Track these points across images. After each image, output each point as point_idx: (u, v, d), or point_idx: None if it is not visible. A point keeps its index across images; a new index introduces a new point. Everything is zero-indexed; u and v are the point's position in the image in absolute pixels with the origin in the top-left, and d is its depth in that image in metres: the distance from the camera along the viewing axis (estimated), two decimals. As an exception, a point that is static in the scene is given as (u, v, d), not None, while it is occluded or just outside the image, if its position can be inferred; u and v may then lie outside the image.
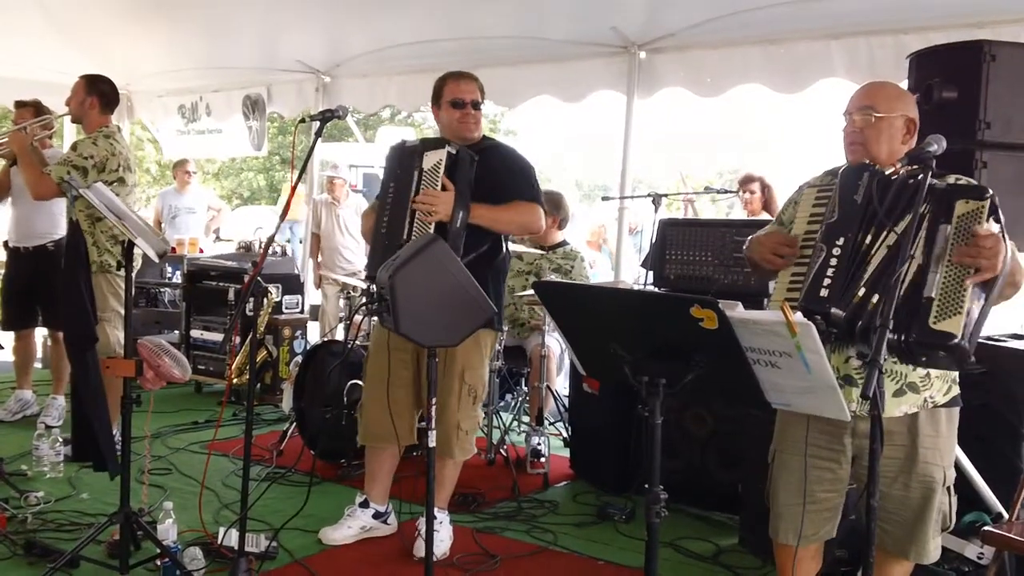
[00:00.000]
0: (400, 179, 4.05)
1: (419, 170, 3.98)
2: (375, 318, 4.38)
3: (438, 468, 4.23)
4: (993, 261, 2.47)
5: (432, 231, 3.84)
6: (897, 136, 2.84)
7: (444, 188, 3.92)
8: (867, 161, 2.80)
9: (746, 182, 6.87)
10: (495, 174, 4.10)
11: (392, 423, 4.11)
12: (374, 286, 4.05)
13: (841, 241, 2.68)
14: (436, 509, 4.12)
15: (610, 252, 10.34)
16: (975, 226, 2.51)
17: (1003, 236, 2.52)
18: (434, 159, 3.97)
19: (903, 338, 2.51)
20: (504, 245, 4.28)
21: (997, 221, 2.55)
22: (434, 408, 3.29)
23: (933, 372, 2.78)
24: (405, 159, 4.09)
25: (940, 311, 2.50)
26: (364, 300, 3.84)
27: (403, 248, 3.35)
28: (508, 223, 4.17)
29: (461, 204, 3.93)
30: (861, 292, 2.60)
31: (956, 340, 2.47)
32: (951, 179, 2.75)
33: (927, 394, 2.81)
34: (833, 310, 2.61)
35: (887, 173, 2.72)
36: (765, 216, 6.62)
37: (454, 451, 4.17)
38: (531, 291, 5.45)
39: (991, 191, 2.59)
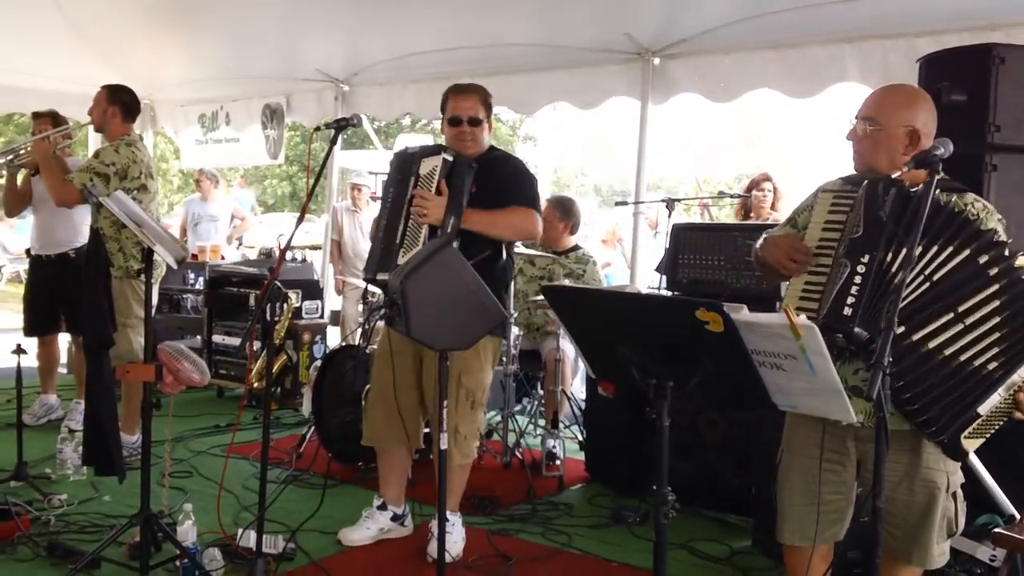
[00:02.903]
0: (398, 184, 4.12)
1: (415, 175, 4.05)
2: (382, 323, 4.43)
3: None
4: None
5: (424, 234, 3.91)
6: (898, 147, 2.77)
7: (439, 193, 3.98)
8: (873, 169, 2.78)
9: (761, 181, 6.88)
10: (497, 183, 4.15)
11: (403, 425, 4.15)
12: (374, 288, 4.13)
13: (866, 259, 2.64)
14: (448, 512, 4.17)
15: (623, 252, 10.39)
16: None
17: None
18: (430, 165, 4.04)
19: (935, 431, 2.61)
20: (504, 252, 4.29)
21: None
22: (441, 412, 3.31)
23: None
24: (404, 165, 4.16)
25: (975, 430, 2.59)
26: (378, 305, 3.86)
27: (414, 253, 3.40)
28: (504, 228, 4.19)
29: (454, 209, 3.97)
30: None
31: (967, 455, 2.63)
32: (980, 204, 2.74)
33: None
34: (856, 330, 2.59)
35: (908, 186, 2.69)
36: (773, 216, 6.65)
37: (453, 455, 4.13)
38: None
39: None
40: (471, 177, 4.05)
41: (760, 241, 3.10)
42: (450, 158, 4.05)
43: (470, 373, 4.18)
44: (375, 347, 4.71)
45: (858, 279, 2.64)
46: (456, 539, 4.25)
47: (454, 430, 4.12)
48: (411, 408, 4.26)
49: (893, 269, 2.62)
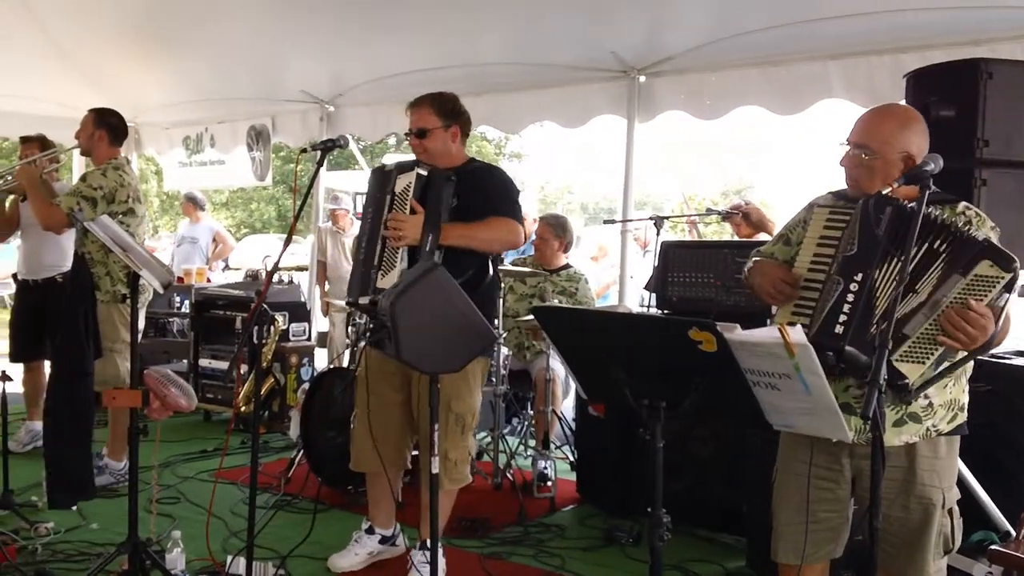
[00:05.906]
0: (376, 203, 4.02)
1: (391, 194, 3.96)
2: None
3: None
4: (971, 339, 2.51)
5: (402, 255, 3.85)
6: (893, 173, 2.74)
7: (413, 211, 3.90)
8: (883, 192, 2.71)
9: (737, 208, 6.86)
10: (475, 195, 4.04)
11: (376, 451, 4.07)
12: (357, 311, 4.01)
13: (860, 277, 2.62)
14: (422, 543, 4.10)
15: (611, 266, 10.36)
16: (984, 292, 2.52)
17: (1002, 314, 2.55)
18: (404, 182, 3.95)
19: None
20: (491, 269, 4.18)
21: (1008, 292, 2.56)
22: (432, 435, 3.27)
23: (936, 401, 2.76)
24: (380, 183, 4.06)
25: (907, 352, 2.56)
26: (367, 327, 3.78)
27: (398, 274, 3.36)
28: (484, 240, 4.05)
29: (431, 227, 3.88)
30: (873, 329, 2.58)
31: (906, 382, 2.55)
32: (972, 212, 2.75)
33: (929, 423, 2.77)
34: (848, 348, 2.57)
35: (909, 206, 2.64)
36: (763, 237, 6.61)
37: (442, 481, 4.02)
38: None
39: (1019, 263, 2.57)
40: (450, 190, 3.95)
41: (750, 263, 3.09)
42: (424, 172, 3.95)
43: (459, 398, 4.08)
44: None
45: (851, 297, 2.62)
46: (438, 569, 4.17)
47: (444, 456, 4.04)
48: (398, 430, 4.19)
49: (881, 287, 2.61)
